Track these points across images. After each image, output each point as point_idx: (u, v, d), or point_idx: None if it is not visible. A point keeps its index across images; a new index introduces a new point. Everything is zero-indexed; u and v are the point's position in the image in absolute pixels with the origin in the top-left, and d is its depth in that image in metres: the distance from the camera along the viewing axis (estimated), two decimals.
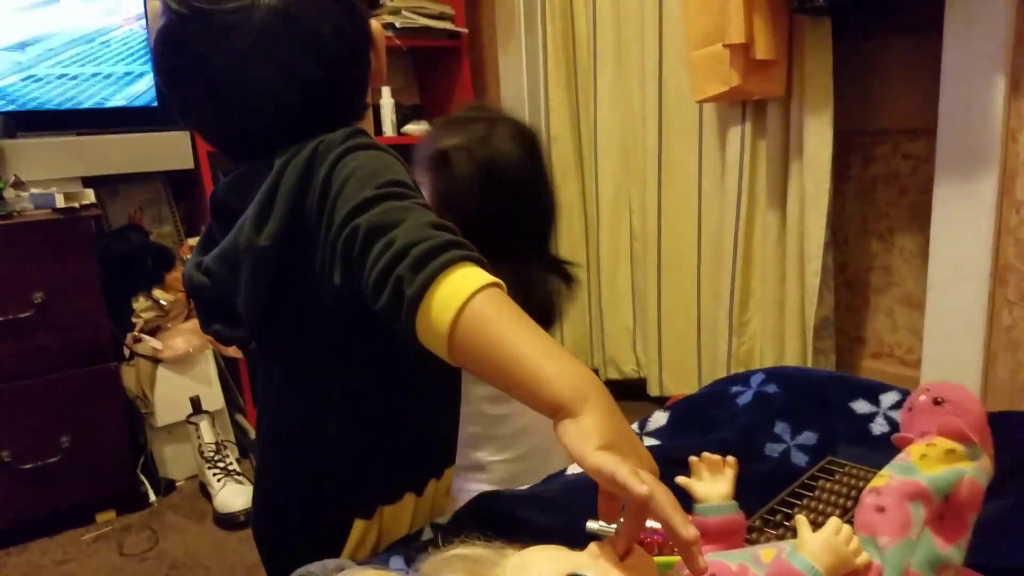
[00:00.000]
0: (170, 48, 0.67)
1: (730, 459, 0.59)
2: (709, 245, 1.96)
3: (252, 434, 2.14)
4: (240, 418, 2.18)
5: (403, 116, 2.49)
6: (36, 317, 1.71)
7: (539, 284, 0.89)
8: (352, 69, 0.71)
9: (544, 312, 0.89)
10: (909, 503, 0.52)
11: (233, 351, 2.04)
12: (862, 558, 0.49)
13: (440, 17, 2.42)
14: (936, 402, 0.57)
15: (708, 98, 1.74)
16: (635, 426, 0.85)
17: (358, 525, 0.75)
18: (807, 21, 1.57)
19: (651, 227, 2.10)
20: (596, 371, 2.41)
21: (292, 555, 0.76)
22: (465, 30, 2.47)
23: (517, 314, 0.54)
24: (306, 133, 0.66)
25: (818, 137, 1.60)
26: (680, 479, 0.59)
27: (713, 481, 0.58)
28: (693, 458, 0.59)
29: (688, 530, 0.43)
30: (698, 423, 0.78)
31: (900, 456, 0.56)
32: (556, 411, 0.49)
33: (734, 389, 0.79)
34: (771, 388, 0.77)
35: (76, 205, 1.78)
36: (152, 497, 1.93)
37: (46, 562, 1.70)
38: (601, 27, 2.17)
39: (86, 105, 2.02)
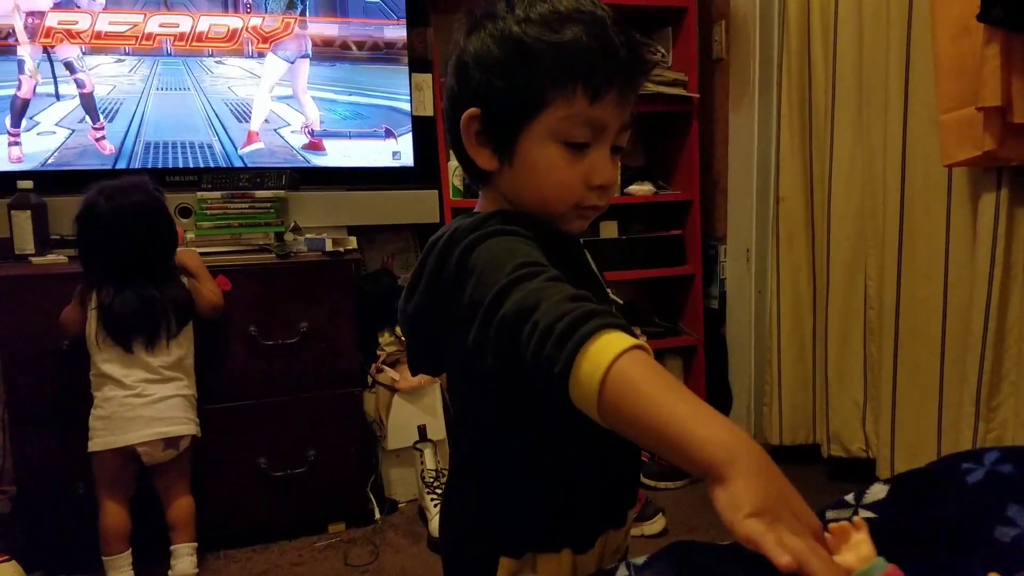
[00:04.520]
0: None
1: (856, 519, 0.56)
2: (955, 319, 1.80)
3: None
4: None
5: (627, 177, 2.58)
6: (300, 343, 1.98)
7: None
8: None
9: None
10: None
11: None
12: None
13: (673, 84, 2.49)
14: None
15: (958, 162, 1.63)
16: (851, 496, 0.82)
17: (504, 563, 0.76)
18: None
19: (889, 296, 1.96)
20: (817, 446, 2.27)
21: None
22: (697, 95, 2.52)
23: (660, 376, 0.54)
24: None
25: None
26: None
27: (851, 549, 0.55)
28: (825, 534, 0.57)
29: None
30: (921, 499, 0.73)
31: None
32: (706, 474, 0.49)
33: (965, 466, 0.72)
34: (1006, 468, 0.70)
35: (341, 250, 2.05)
36: (377, 515, 2.12)
37: (283, 563, 1.92)
38: (841, 89, 2.11)
39: (356, 164, 2.33)
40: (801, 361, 2.32)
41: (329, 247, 2.02)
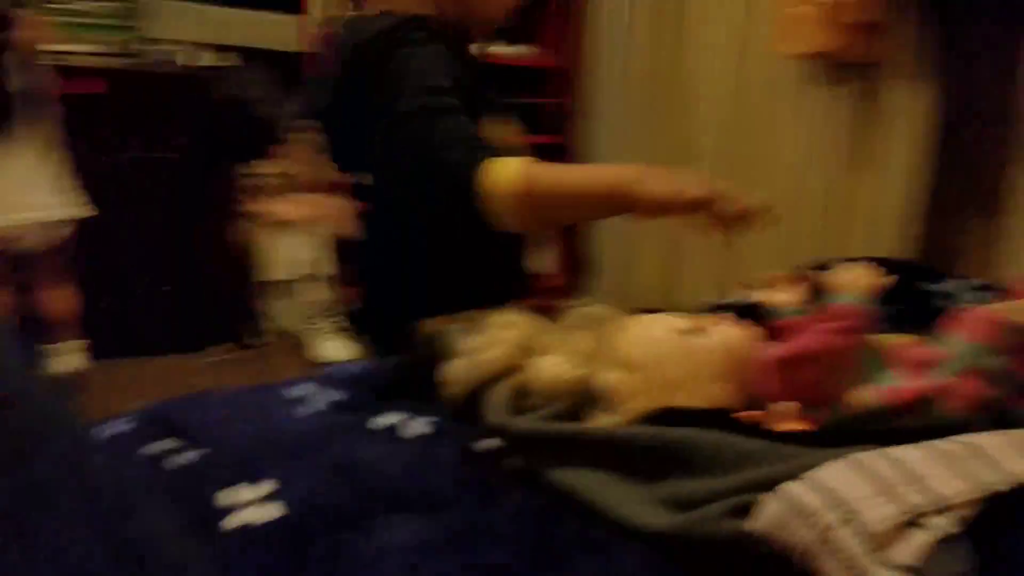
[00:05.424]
0: None
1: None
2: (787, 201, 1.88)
3: None
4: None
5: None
6: (174, 161, 1.93)
7: None
8: None
9: None
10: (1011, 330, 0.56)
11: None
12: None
13: None
14: None
15: (793, 56, 1.74)
16: None
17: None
18: None
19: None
20: None
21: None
22: None
23: (557, 166, 0.71)
24: None
25: (909, 101, 1.58)
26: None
27: (788, 291, 0.69)
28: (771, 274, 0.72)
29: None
30: None
31: None
32: (628, 201, 0.66)
33: None
34: None
35: (198, 65, 1.98)
36: (262, 339, 2.19)
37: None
38: None
39: None
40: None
41: (185, 61, 1.94)
